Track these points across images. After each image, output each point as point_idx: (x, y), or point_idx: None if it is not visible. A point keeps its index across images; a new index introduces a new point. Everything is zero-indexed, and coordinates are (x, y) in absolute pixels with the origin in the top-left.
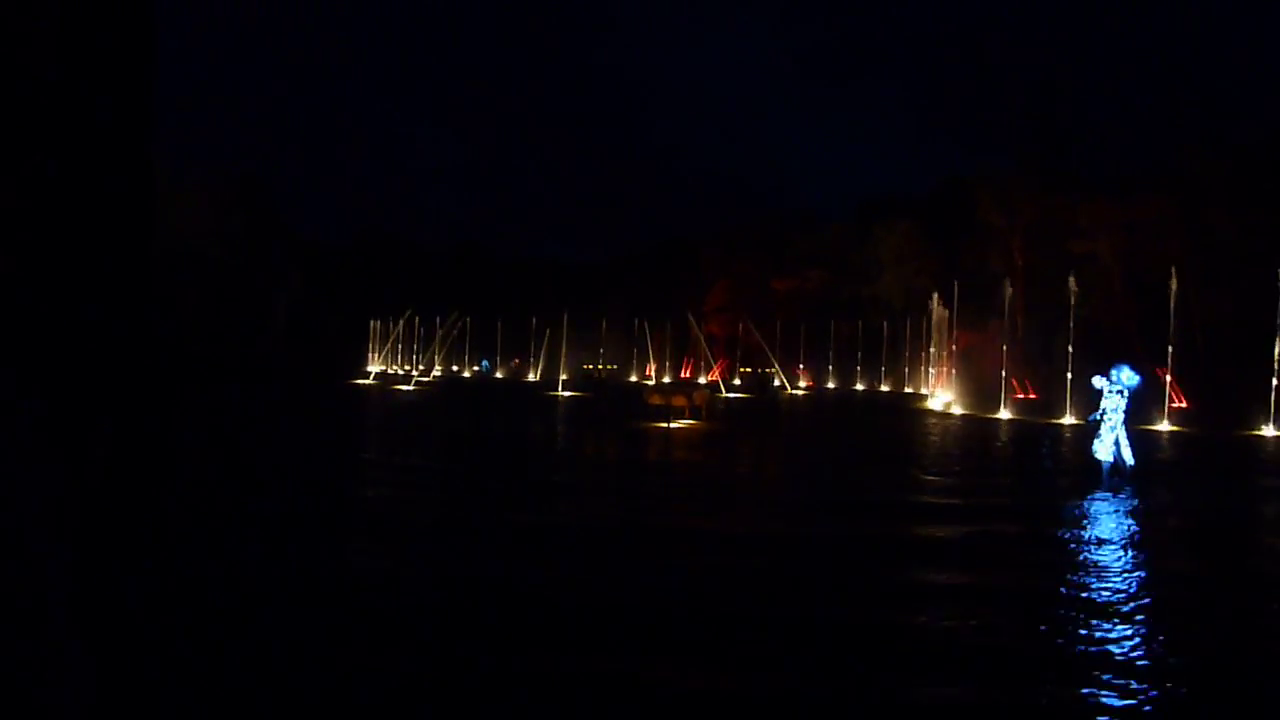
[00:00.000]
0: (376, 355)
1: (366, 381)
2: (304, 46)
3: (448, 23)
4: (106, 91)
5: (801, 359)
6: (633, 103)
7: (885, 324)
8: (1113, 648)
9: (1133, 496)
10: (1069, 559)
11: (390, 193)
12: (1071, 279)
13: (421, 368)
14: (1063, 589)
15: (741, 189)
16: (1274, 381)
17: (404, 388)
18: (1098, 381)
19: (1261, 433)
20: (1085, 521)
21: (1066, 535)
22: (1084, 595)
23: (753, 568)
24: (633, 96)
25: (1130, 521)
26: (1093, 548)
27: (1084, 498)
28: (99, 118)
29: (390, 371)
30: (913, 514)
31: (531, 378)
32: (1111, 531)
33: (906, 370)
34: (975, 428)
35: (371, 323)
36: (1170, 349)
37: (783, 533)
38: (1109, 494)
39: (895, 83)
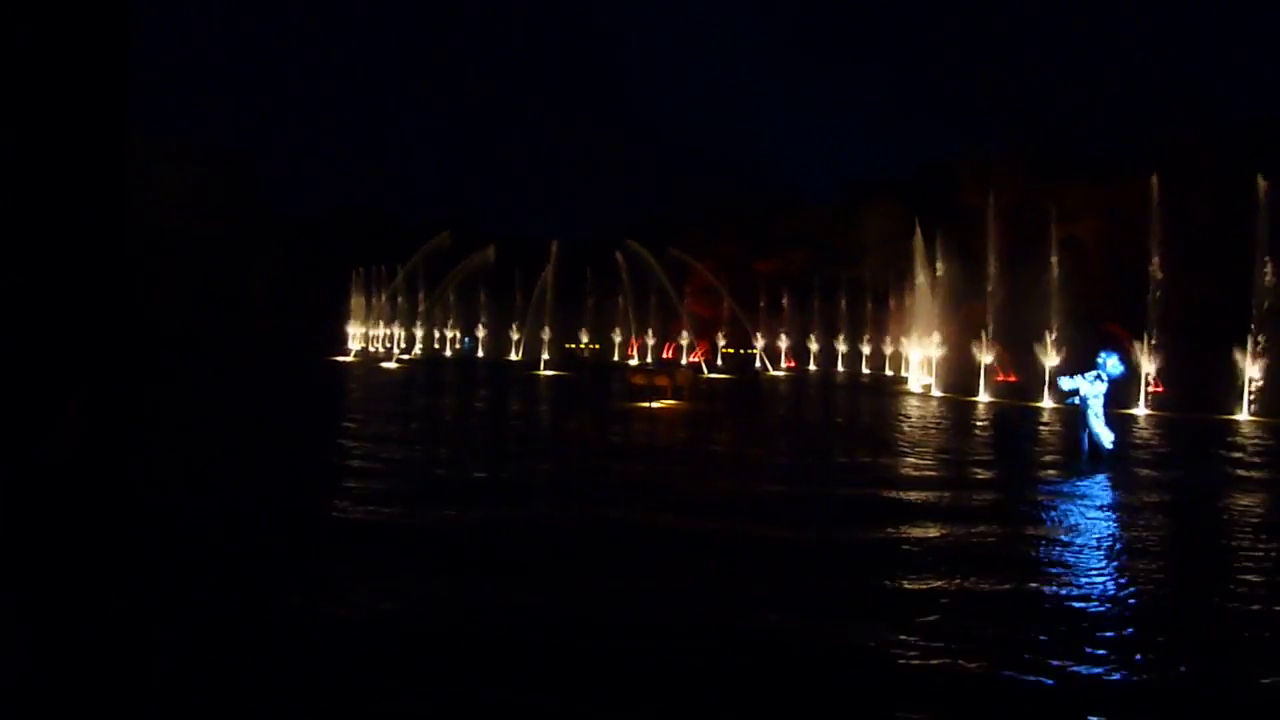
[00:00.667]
0: (359, 331)
1: (348, 359)
2: (287, 22)
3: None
4: (79, 65)
5: (783, 340)
6: (618, 81)
7: (868, 305)
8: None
9: (1110, 480)
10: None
11: (374, 168)
12: (1054, 261)
13: (403, 345)
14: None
15: (726, 168)
16: (1247, 367)
17: (386, 365)
18: (1066, 383)
19: (1235, 417)
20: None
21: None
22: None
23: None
24: (618, 74)
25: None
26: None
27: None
28: (71, 93)
29: (371, 350)
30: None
31: (514, 356)
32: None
33: (888, 352)
34: (954, 410)
35: (353, 298)
36: (1147, 336)
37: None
38: (1097, 474)
39: (880, 64)
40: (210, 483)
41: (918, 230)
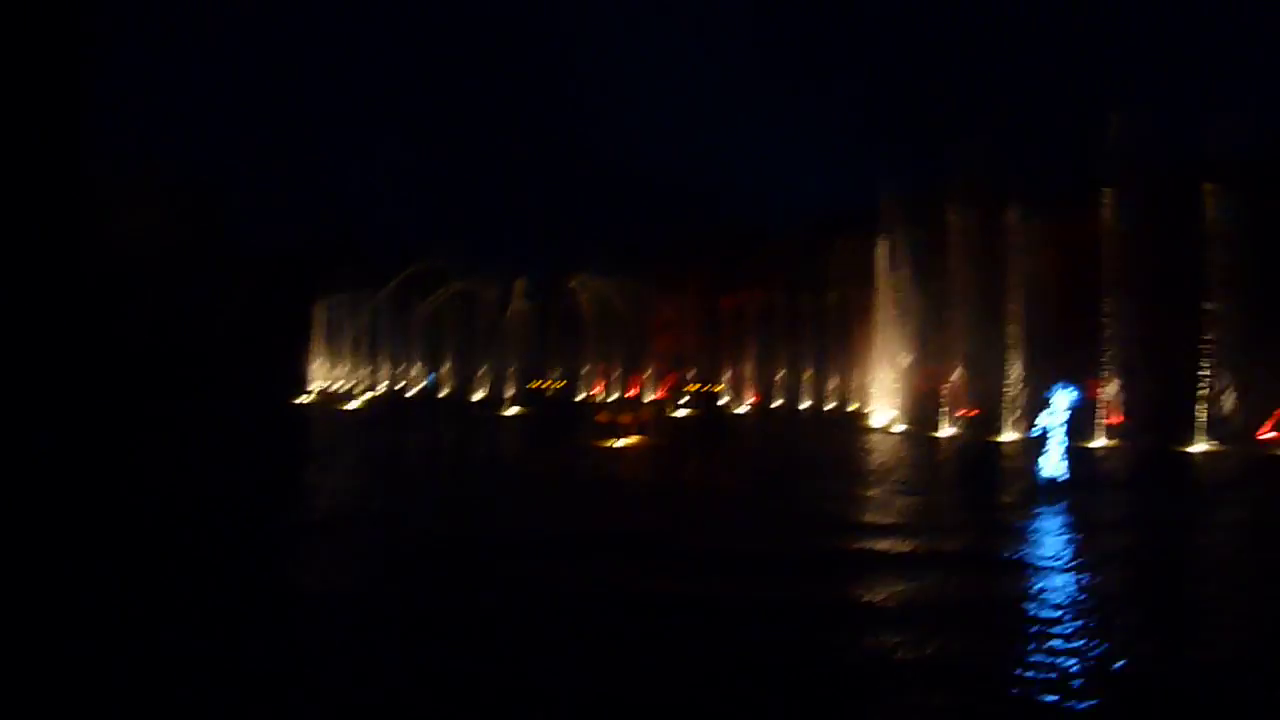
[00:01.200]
0: (320, 370)
1: (306, 401)
2: (254, 54)
3: (398, 34)
4: (34, 99)
5: (747, 375)
6: (584, 115)
7: (832, 339)
8: None
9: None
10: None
11: (339, 203)
12: (1012, 295)
13: (366, 383)
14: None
15: (691, 202)
16: (1201, 397)
17: (348, 406)
18: (1042, 421)
19: (1189, 449)
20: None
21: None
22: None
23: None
24: (583, 108)
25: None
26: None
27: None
28: (25, 128)
29: (332, 389)
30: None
31: (478, 395)
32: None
33: (850, 386)
34: (916, 446)
35: (314, 336)
36: (1105, 370)
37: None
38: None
39: (843, 96)
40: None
41: (880, 264)
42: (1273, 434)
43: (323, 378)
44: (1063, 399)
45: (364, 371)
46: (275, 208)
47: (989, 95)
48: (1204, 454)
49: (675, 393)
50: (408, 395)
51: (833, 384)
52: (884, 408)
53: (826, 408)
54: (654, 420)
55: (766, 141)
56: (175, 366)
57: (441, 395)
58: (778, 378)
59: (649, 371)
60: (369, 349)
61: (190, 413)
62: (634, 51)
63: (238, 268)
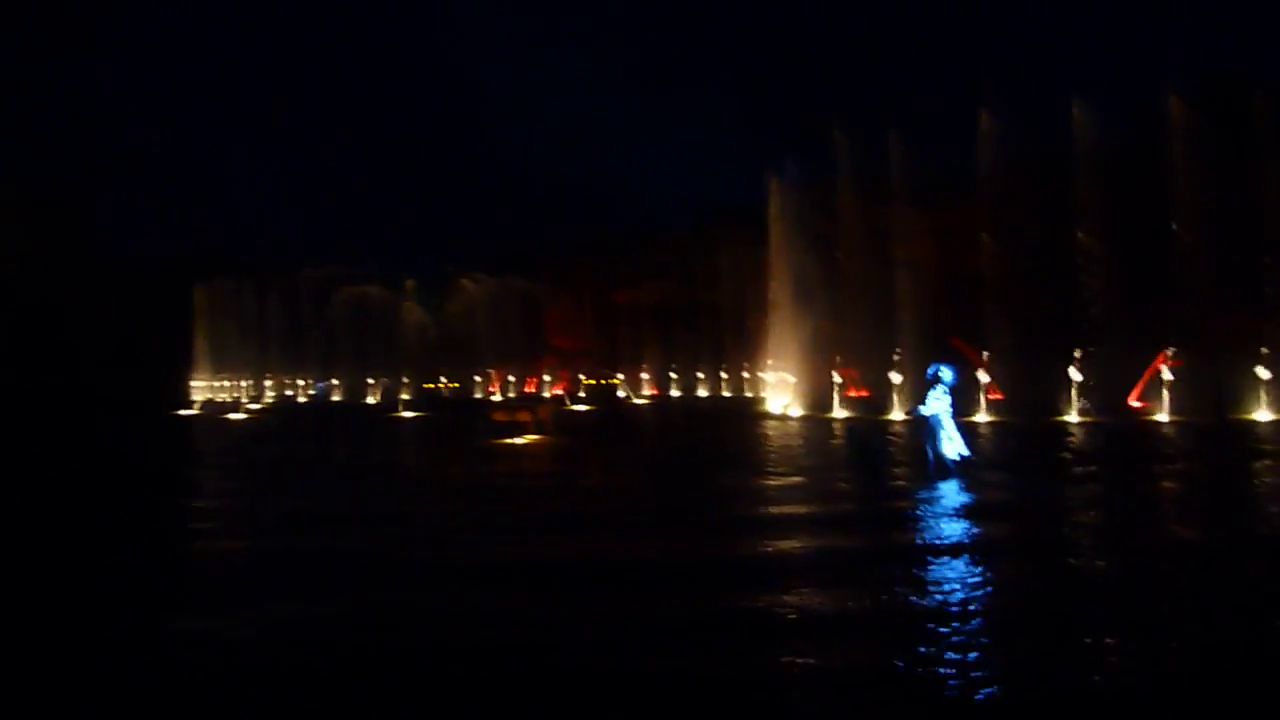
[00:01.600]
0: (203, 382)
1: (191, 412)
2: (118, 62)
3: (272, 37)
4: None
5: (645, 368)
6: (467, 116)
7: (726, 331)
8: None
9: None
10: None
11: (215, 212)
12: (895, 280)
13: (252, 394)
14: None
15: (580, 200)
16: (1072, 372)
17: (234, 416)
18: (925, 410)
19: (1065, 419)
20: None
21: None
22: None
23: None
24: (467, 109)
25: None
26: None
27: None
28: None
29: (217, 399)
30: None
31: (371, 399)
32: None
33: (746, 375)
34: (812, 428)
35: (196, 347)
36: (985, 352)
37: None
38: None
39: (723, 93)
40: None
41: (769, 256)
42: (1139, 402)
43: (208, 388)
44: (945, 377)
45: (251, 380)
46: (156, 218)
47: (872, 89)
48: (1078, 425)
49: (573, 388)
50: (299, 402)
51: (729, 373)
52: (778, 394)
53: (724, 396)
54: (552, 417)
55: (654, 138)
56: (41, 376)
57: (334, 400)
58: (674, 369)
59: (546, 368)
60: (257, 357)
61: (58, 423)
62: (519, 52)
63: (112, 278)
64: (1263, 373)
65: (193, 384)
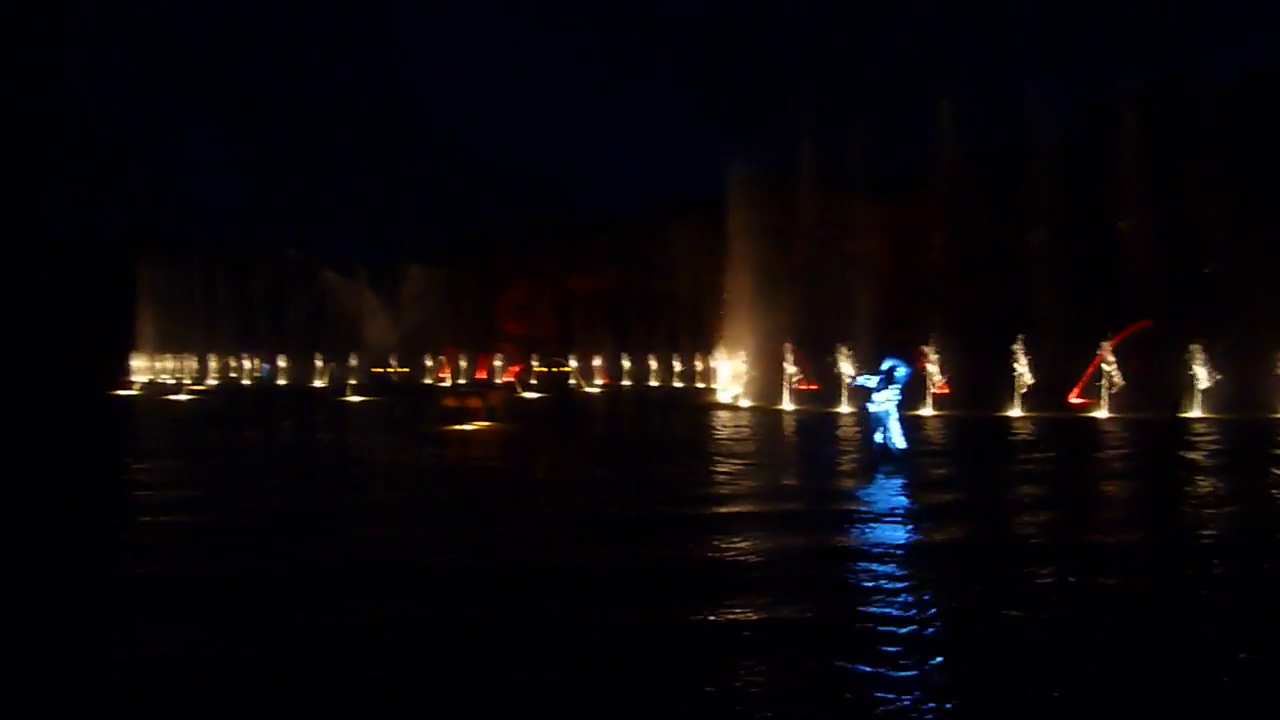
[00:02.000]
0: (145, 363)
1: (131, 392)
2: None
3: (225, 19)
4: None
5: (597, 356)
6: (422, 100)
7: (679, 320)
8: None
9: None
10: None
11: (166, 194)
12: (846, 274)
13: (195, 375)
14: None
15: (535, 187)
16: (1016, 368)
17: (176, 397)
18: (863, 380)
19: (1009, 414)
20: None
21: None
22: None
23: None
24: (422, 93)
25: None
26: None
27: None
28: None
29: (159, 381)
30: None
31: (319, 383)
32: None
33: (698, 365)
34: (761, 419)
35: (138, 326)
36: (933, 345)
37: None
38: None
39: (678, 83)
40: None
41: (724, 246)
42: (1080, 399)
43: (150, 368)
44: (899, 374)
45: (195, 360)
46: (106, 199)
47: (826, 80)
48: (1020, 419)
49: (524, 375)
50: (244, 384)
51: (681, 363)
52: (729, 385)
53: (675, 386)
54: (503, 404)
55: (609, 127)
56: None
57: (280, 384)
58: (626, 358)
59: (497, 355)
60: (203, 338)
61: None
62: (475, 38)
63: (55, 256)
64: (1199, 371)
65: (134, 364)
